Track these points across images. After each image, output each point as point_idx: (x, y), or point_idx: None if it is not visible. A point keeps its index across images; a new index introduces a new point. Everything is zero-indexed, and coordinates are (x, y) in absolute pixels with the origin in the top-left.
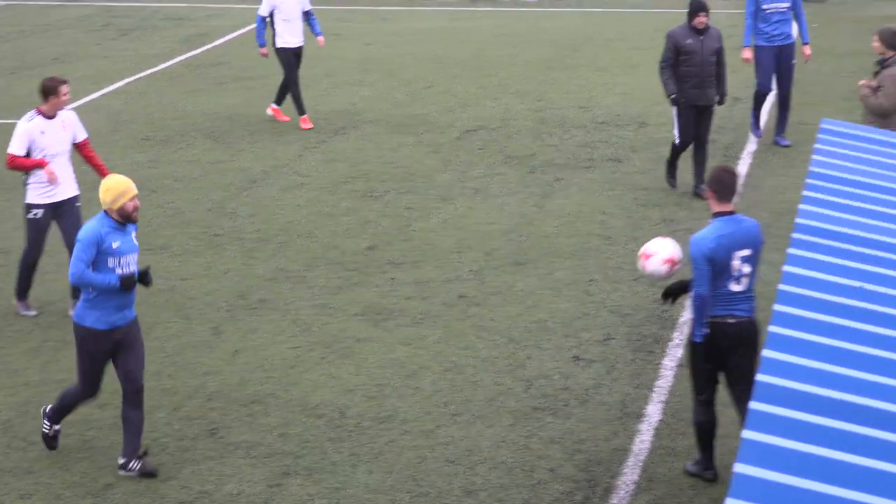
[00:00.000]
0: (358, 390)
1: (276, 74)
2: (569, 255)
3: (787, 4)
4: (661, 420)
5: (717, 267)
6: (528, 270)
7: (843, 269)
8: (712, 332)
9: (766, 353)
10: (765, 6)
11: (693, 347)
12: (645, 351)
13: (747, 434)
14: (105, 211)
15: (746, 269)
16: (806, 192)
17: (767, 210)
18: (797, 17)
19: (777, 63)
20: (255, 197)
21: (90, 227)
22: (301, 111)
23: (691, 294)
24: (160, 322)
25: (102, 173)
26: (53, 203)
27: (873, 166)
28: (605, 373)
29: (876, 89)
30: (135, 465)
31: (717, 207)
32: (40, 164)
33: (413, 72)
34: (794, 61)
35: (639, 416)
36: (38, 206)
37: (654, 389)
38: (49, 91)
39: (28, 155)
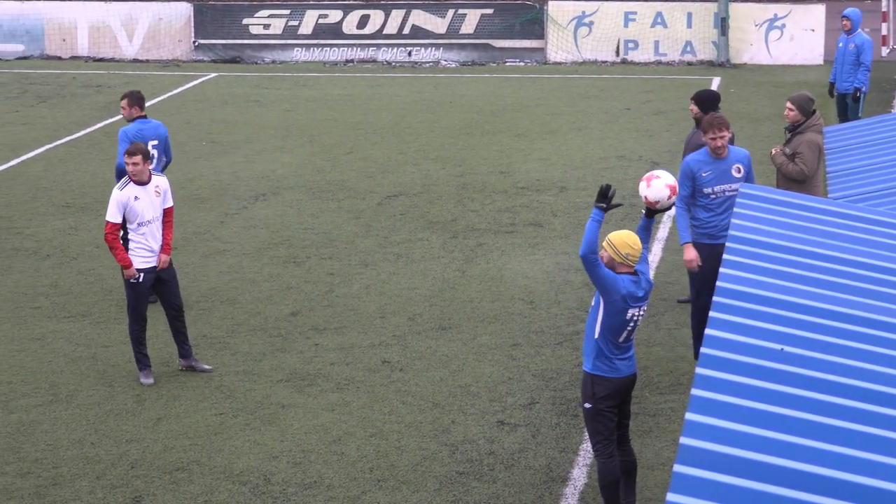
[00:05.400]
0: (283, 457)
1: (192, 140)
2: (492, 319)
3: (735, 186)
4: (586, 484)
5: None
6: (452, 335)
7: (763, 331)
8: None
9: (688, 415)
10: (706, 189)
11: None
12: (569, 415)
13: (672, 497)
14: None
15: (156, 153)
16: (726, 256)
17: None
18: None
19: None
20: (177, 263)
21: None
22: None
23: None
24: (82, 390)
25: (165, 250)
26: (151, 267)
27: (790, 230)
28: (531, 437)
29: (792, 156)
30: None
31: (134, 114)
32: (126, 265)
33: (333, 138)
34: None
35: (564, 479)
36: (138, 271)
37: (580, 453)
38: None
39: (124, 222)
